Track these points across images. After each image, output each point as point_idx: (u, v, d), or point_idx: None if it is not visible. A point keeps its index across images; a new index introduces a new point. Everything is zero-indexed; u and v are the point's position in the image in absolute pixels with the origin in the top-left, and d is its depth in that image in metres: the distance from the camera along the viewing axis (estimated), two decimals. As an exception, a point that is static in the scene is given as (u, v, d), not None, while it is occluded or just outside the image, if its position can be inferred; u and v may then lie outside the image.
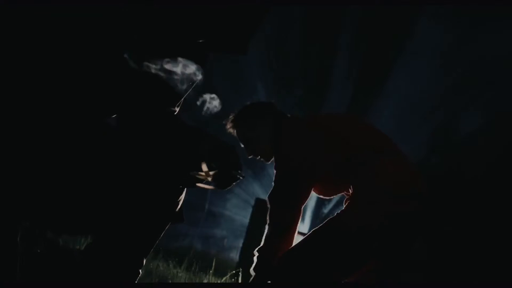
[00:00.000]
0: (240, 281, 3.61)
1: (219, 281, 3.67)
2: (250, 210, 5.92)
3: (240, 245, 5.94)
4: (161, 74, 1.51)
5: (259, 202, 5.75)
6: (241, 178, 1.54)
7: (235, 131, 2.27)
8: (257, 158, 2.23)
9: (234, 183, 1.55)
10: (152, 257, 3.79)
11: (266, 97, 11.31)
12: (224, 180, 1.52)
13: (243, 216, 10.81)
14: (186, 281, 3.44)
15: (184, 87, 1.65)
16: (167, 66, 1.50)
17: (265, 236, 2.01)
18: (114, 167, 1.49)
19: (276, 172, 2.05)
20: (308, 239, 1.91)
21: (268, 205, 2.03)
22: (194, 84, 1.67)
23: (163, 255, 4.06)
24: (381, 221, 1.83)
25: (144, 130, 1.51)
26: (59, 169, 1.43)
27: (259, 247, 2.02)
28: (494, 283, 4.63)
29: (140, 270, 1.63)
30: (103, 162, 1.48)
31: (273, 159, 2.20)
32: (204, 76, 1.69)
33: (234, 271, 3.79)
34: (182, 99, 1.65)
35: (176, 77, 1.57)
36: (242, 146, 2.25)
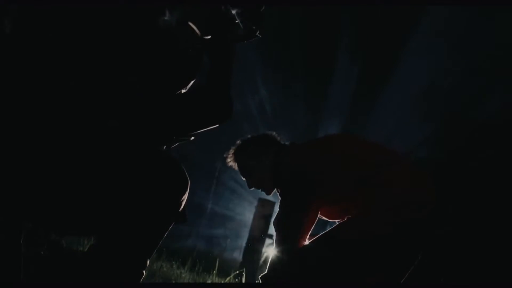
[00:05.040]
0: (243, 281, 3.60)
1: (222, 281, 3.66)
2: (252, 210, 5.91)
3: (243, 245, 5.93)
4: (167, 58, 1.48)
5: (262, 203, 5.74)
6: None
7: (235, 164, 2.25)
8: (259, 189, 2.22)
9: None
10: (156, 258, 3.78)
11: (267, 94, 11.28)
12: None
13: (246, 216, 10.80)
14: (190, 282, 3.43)
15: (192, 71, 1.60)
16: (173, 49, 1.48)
17: (273, 264, 1.95)
18: (117, 167, 1.48)
19: (282, 197, 2.00)
20: (315, 245, 1.89)
21: (275, 231, 1.98)
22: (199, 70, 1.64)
23: (167, 255, 4.05)
24: (386, 230, 1.81)
25: (146, 124, 1.50)
26: (61, 169, 1.43)
27: (263, 274, 1.97)
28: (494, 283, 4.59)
29: (144, 271, 1.62)
30: (106, 162, 1.47)
31: (274, 190, 2.16)
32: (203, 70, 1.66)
33: (237, 271, 3.78)
34: (189, 85, 1.62)
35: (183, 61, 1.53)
36: (244, 179, 2.23)
